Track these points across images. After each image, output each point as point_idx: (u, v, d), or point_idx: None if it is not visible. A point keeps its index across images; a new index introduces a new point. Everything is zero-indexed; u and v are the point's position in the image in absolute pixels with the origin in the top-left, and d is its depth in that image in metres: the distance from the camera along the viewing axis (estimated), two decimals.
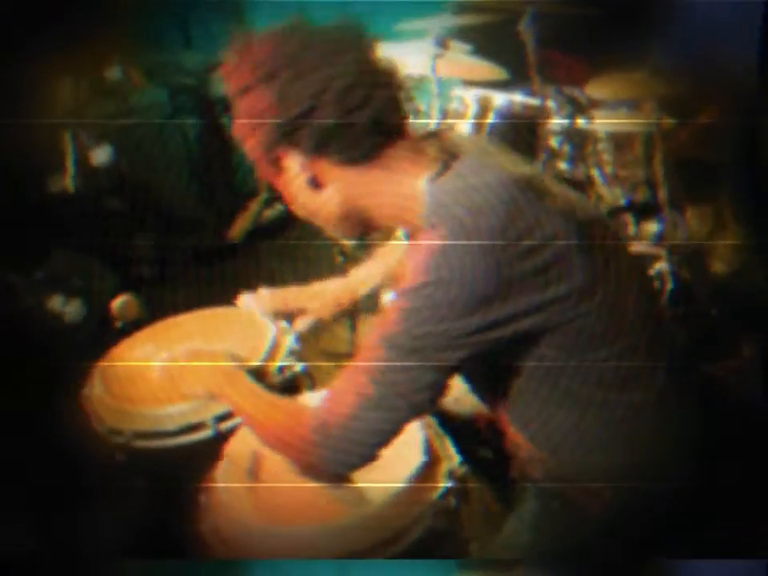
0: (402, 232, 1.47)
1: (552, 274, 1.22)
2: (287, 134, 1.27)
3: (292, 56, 1.26)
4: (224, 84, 1.33)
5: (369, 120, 1.26)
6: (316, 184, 1.32)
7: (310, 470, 1.32)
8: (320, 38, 1.29)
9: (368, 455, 1.28)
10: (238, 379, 1.53)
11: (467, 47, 3.13)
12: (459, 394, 1.76)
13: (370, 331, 1.28)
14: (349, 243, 2.76)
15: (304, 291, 1.95)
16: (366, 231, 1.42)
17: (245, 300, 1.93)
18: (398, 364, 1.22)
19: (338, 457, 1.27)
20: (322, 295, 1.93)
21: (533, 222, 1.22)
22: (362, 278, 1.96)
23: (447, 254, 1.20)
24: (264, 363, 1.75)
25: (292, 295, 1.94)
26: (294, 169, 1.30)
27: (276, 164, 1.31)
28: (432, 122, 2.98)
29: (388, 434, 1.27)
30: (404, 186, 1.31)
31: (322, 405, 1.31)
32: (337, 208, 1.34)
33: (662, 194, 2.82)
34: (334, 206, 1.34)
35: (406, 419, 1.28)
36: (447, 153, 1.31)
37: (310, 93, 1.24)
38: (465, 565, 1.47)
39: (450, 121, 3.03)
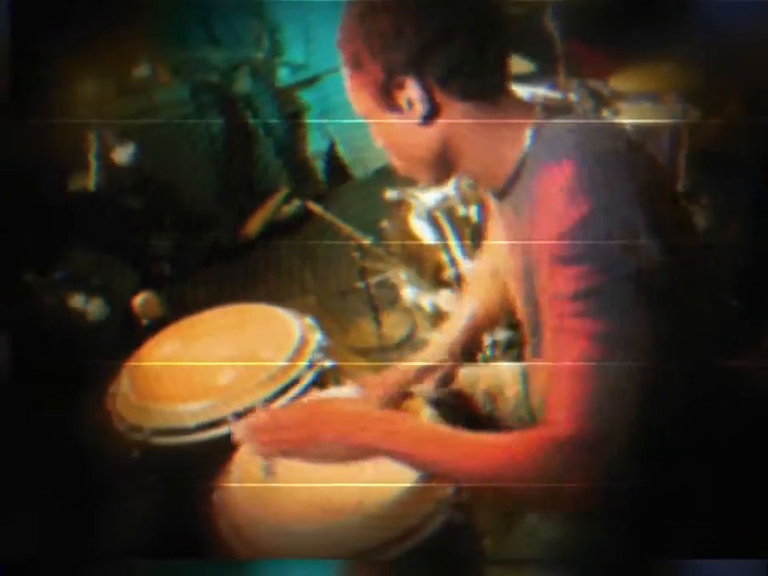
0: (490, 192, 1.40)
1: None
2: (415, 61, 1.23)
3: None
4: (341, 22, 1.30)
5: (494, 57, 1.27)
6: (430, 116, 1.28)
7: None
8: None
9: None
10: (403, 423, 1.34)
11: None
12: (488, 387, 1.78)
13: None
14: (366, 241, 2.77)
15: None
16: (448, 176, 1.41)
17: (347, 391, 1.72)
18: None
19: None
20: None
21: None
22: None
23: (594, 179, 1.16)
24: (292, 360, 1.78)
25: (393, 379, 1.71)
26: (414, 97, 1.26)
27: (390, 93, 1.27)
28: None
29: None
30: (509, 132, 1.29)
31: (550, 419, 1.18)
32: (437, 145, 1.31)
33: (682, 186, 2.80)
34: (435, 143, 1.31)
35: None
36: (551, 110, 1.30)
37: (442, 20, 1.22)
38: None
39: None
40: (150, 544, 1.74)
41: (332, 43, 1.34)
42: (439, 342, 1.73)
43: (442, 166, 1.36)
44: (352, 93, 1.34)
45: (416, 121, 1.28)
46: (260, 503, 1.45)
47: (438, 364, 1.70)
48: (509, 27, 1.31)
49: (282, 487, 1.46)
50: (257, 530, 1.42)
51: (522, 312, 1.43)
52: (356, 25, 1.27)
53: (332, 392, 1.72)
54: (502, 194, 1.35)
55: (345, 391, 1.67)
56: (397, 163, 1.41)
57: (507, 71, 1.31)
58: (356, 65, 1.28)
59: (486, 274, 1.79)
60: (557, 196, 1.17)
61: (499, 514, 1.53)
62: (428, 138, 1.30)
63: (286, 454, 1.33)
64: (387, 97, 1.28)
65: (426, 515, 1.38)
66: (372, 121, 1.35)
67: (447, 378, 1.72)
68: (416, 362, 1.71)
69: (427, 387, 1.70)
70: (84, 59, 3.11)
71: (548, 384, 1.18)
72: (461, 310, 1.78)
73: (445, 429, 1.32)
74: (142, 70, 3.83)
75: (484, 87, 1.28)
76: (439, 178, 1.42)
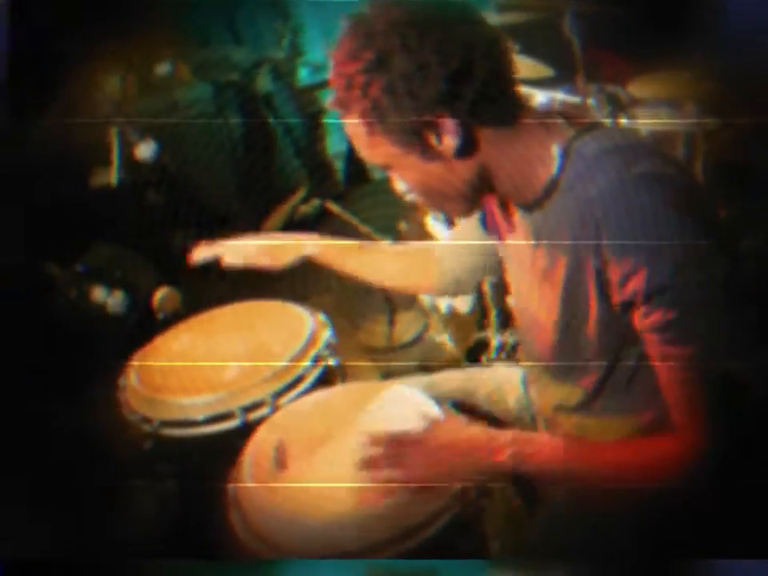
0: (518, 205, 1.41)
1: None
2: (444, 96, 1.22)
3: (420, 23, 1.22)
4: (342, 64, 1.26)
5: (511, 83, 1.29)
6: (465, 150, 1.28)
7: None
8: (430, 10, 1.25)
9: None
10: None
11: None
12: (489, 391, 1.79)
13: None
14: (385, 240, 2.79)
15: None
16: (480, 204, 1.41)
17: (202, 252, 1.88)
18: None
19: None
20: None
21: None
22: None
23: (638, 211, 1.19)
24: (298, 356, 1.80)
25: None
26: (447, 133, 1.25)
27: (420, 134, 1.26)
28: None
29: None
30: (537, 149, 1.31)
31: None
32: (473, 176, 1.31)
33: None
34: (471, 174, 1.31)
35: None
36: (576, 126, 1.32)
37: (461, 50, 1.22)
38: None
39: None
40: (160, 536, 1.76)
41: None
42: None
43: (476, 194, 1.36)
44: (370, 145, 1.32)
45: (451, 155, 1.27)
46: (270, 496, 1.46)
47: None
48: (512, 48, 1.32)
49: (294, 479, 1.48)
50: (266, 523, 1.43)
51: (549, 323, 1.43)
52: (370, 74, 1.23)
53: (309, 399, 1.74)
54: (531, 208, 1.37)
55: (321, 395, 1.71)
56: (427, 202, 1.41)
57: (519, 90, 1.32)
58: (377, 116, 1.26)
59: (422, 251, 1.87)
60: (611, 228, 1.21)
61: (508, 513, 1.54)
62: (464, 170, 1.30)
63: (413, 480, 1.37)
64: (416, 139, 1.27)
65: (431, 514, 1.38)
66: (396, 168, 1.33)
67: None
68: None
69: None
70: (107, 56, 3.14)
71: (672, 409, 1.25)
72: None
73: (577, 439, 1.37)
74: (163, 68, 3.87)
75: (508, 109, 1.29)
76: (473, 208, 1.42)
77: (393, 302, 2.97)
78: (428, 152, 1.28)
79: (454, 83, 1.22)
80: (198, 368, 1.83)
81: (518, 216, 1.43)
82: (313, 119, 4.56)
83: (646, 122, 3.02)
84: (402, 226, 3.09)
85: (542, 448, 1.33)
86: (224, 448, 1.63)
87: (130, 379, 1.86)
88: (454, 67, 1.21)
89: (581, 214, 1.25)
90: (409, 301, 3.12)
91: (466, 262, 1.75)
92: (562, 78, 3.11)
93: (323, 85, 4.56)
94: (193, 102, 3.94)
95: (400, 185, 1.39)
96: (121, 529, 1.71)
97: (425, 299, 2.93)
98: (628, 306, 1.23)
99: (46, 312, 2.22)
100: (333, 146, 4.67)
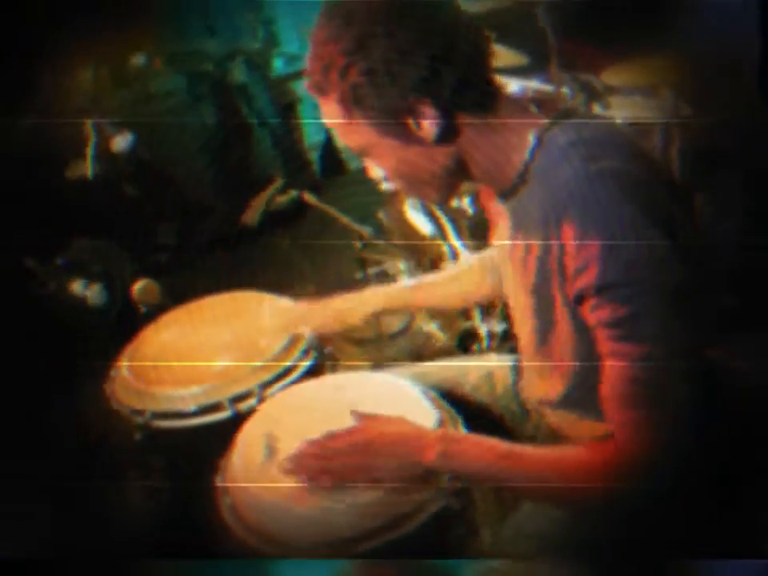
0: (495, 192, 1.41)
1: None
2: (425, 81, 1.22)
3: (401, 7, 1.22)
4: (321, 46, 1.25)
5: (487, 71, 1.28)
6: (445, 137, 1.28)
7: None
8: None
9: None
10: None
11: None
12: (478, 380, 1.80)
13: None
14: (363, 231, 2.80)
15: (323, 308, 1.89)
16: (456, 190, 1.41)
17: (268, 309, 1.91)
18: None
19: None
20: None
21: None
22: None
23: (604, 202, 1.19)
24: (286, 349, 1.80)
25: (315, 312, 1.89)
26: (427, 118, 1.25)
27: (399, 119, 1.26)
28: None
29: None
30: (512, 137, 1.31)
31: None
32: (451, 161, 1.31)
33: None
34: (449, 159, 1.31)
35: None
36: (550, 114, 1.32)
37: (443, 36, 1.22)
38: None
39: None
40: (152, 530, 1.76)
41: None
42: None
43: (454, 180, 1.37)
44: (347, 132, 1.31)
45: (430, 141, 1.27)
46: (260, 486, 1.45)
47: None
48: (490, 36, 1.31)
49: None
50: (257, 513, 1.43)
51: (526, 311, 1.43)
52: (350, 57, 1.22)
53: (298, 389, 1.73)
54: (507, 196, 1.37)
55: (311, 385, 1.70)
56: (404, 188, 1.40)
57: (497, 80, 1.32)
58: (355, 101, 1.25)
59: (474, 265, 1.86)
60: (571, 221, 1.20)
61: (494, 504, 1.55)
62: (442, 156, 1.31)
63: (341, 480, 1.36)
64: (395, 124, 1.26)
65: (418, 503, 1.37)
66: (374, 153, 1.33)
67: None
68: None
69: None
70: (81, 48, 3.12)
71: (607, 403, 1.23)
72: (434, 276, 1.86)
73: (506, 444, 1.33)
74: (137, 60, 3.84)
75: (487, 96, 1.29)
76: (450, 194, 1.42)
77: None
78: (407, 137, 1.28)
79: (435, 68, 1.21)
80: (187, 359, 1.83)
81: (496, 203, 1.44)
82: (287, 110, 4.55)
83: (621, 111, 3.05)
84: (381, 215, 3.10)
85: (470, 448, 1.32)
86: (215, 439, 1.63)
87: (121, 371, 1.86)
88: (436, 52, 1.21)
89: (549, 202, 1.25)
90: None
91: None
92: (535, 66, 3.13)
93: (298, 75, 4.57)
94: (167, 93, 3.92)
95: (376, 171, 1.39)
96: (111, 523, 1.71)
97: None
98: (580, 298, 1.23)
99: (28, 306, 2.21)
100: (309, 137, 4.66)
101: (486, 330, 2.47)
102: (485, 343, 2.55)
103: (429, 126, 1.26)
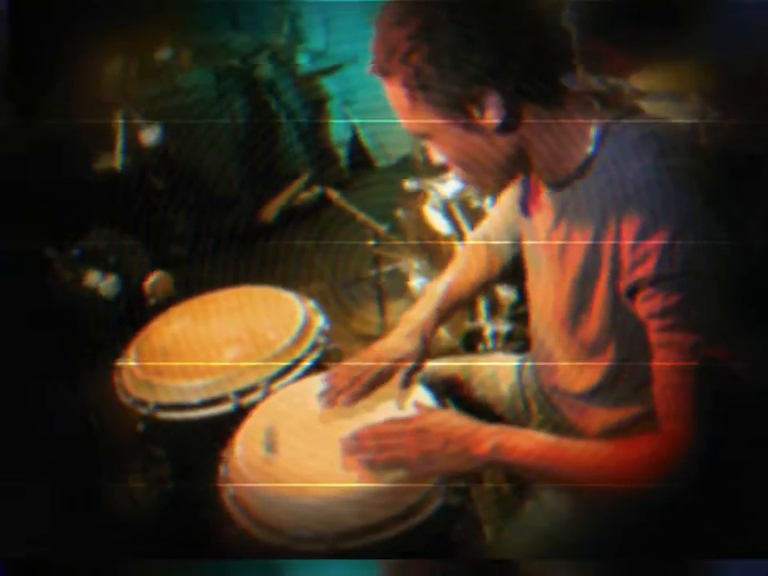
0: (547, 184, 1.41)
1: None
2: (491, 69, 1.22)
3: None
4: (386, 29, 1.25)
5: (554, 55, 1.27)
6: (507, 126, 1.28)
7: None
8: None
9: None
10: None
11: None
12: (483, 378, 1.80)
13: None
14: (380, 229, 2.80)
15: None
16: (513, 180, 1.42)
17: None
18: None
19: None
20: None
21: None
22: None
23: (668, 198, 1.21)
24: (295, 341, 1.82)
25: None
26: (492, 106, 1.25)
27: (464, 106, 1.26)
28: None
29: None
30: (574, 130, 1.31)
31: None
32: (514, 150, 1.31)
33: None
34: (512, 148, 1.31)
35: None
36: (612, 108, 1.32)
37: (509, 24, 1.22)
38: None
39: None
40: (154, 526, 1.77)
41: (353, 33, 1.33)
42: (409, 322, 1.72)
43: (513, 169, 1.37)
44: (411, 114, 1.30)
45: (494, 128, 1.27)
46: (263, 479, 1.46)
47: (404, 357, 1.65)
48: (563, 28, 1.32)
49: (285, 462, 1.48)
50: (259, 503, 1.44)
51: (559, 304, 1.44)
52: (415, 42, 1.22)
53: (300, 385, 1.72)
54: (561, 186, 1.37)
55: (312, 381, 1.69)
56: (462, 175, 1.39)
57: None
58: (418, 86, 1.25)
59: (472, 246, 1.84)
60: (635, 215, 1.21)
61: (498, 499, 1.55)
62: (504, 144, 1.30)
63: (395, 463, 1.36)
64: (458, 111, 1.26)
65: (425, 494, 1.39)
66: (435, 138, 1.32)
67: (417, 368, 1.67)
68: (385, 345, 1.69)
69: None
70: (108, 42, 3.15)
71: (661, 393, 1.23)
72: (435, 288, 1.79)
73: (554, 437, 1.32)
74: (164, 54, 3.87)
75: (553, 87, 1.29)
76: (506, 184, 1.43)
77: (382, 291, 2.98)
78: (469, 125, 1.28)
79: (500, 57, 1.21)
80: (196, 351, 1.84)
81: (543, 195, 1.43)
82: (316, 106, 4.56)
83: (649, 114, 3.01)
84: (399, 213, 3.09)
85: (524, 441, 1.31)
86: (217, 432, 1.63)
87: (128, 362, 1.87)
88: (502, 41, 1.21)
89: (612, 194, 1.25)
90: (398, 289, 3.13)
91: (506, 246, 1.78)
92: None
93: (325, 72, 4.58)
94: (194, 87, 3.95)
95: (437, 155, 1.38)
96: (109, 519, 1.72)
97: (415, 288, 2.94)
98: (633, 290, 1.24)
99: (42, 295, 2.23)
100: (336, 133, 4.68)
101: (492, 330, 2.47)
102: (490, 343, 2.55)
103: (492, 114, 1.26)
